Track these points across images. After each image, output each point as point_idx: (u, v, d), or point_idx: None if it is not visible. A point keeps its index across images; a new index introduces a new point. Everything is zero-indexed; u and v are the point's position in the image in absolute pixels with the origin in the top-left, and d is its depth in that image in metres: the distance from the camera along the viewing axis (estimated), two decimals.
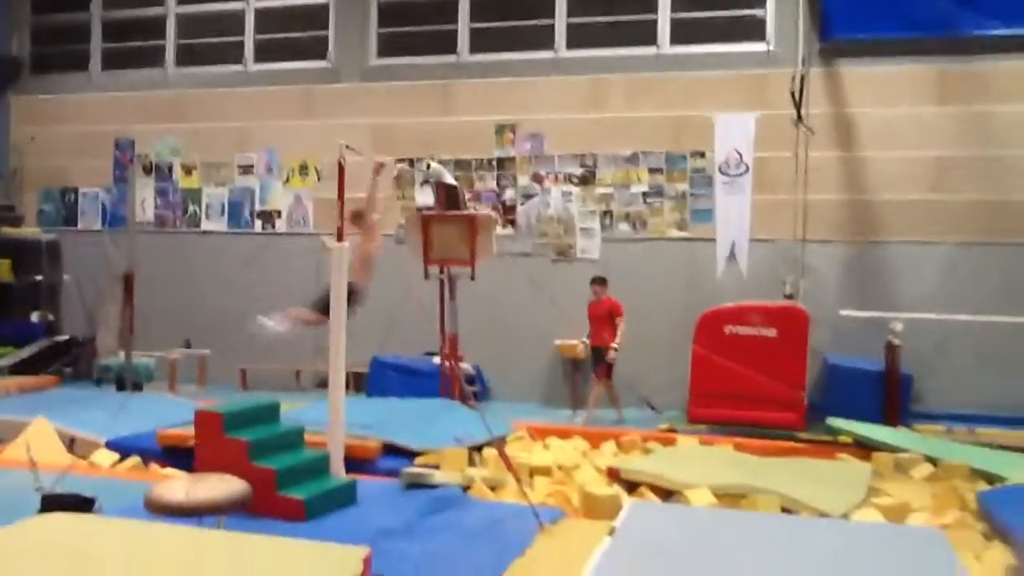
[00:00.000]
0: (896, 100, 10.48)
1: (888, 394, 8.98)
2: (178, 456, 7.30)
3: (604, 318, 10.19)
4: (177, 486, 5.06)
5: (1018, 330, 9.51)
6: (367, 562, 4.11)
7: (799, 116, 9.74)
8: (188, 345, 11.82)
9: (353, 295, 7.23)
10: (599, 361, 10.18)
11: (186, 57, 13.17)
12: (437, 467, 6.81)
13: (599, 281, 10.36)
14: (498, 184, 11.86)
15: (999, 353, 9.87)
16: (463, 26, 12.10)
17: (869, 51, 10.50)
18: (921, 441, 8.21)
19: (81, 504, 5.54)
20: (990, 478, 7.05)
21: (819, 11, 10.61)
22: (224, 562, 4.07)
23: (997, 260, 10.08)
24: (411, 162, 11.93)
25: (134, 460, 7.48)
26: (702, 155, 11.08)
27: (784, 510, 6.17)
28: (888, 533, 5.58)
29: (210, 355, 11.93)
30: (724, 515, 5.90)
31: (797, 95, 9.54)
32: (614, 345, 10.05)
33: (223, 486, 5.03)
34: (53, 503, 5.50)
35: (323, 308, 7.00)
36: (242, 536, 4.62)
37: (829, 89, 10.60)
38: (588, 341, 10.35)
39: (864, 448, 7.96)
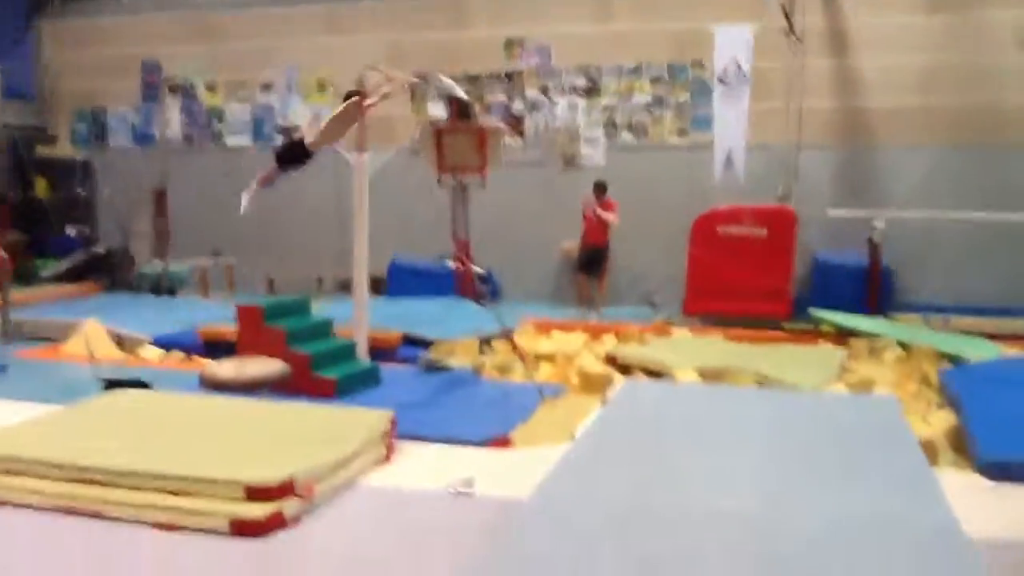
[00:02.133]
0: (886, 9, 10.89)
1: (870, 287, 9.64)
2: (218, 350, 8.07)
3: (599, 219, 10.70)
4: (228, 365, 5.88)
5: (995, 227, 10.11)
6: (393, 422, 4.91)
7: (790, 27, 10.17)
8: (217, 254, 12.57)
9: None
10: (595, 259, 10.77)
11: None
12: (452, 354, 7.59)
13: (599, 187, 10.88)
14: (507, 97, 12.39)
15: (977, 249, 10.49)
16: None
17: None
18: (896, 328, 8.91)
19: (139, 386, 6.35)
20: (955, 360, 7.75)
21: None
22: (278, 422, 4.87)
23: (979, 162, 10.60)
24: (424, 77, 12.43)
25: (178, 354, 8.31)
26: (701, 65, 11.56)
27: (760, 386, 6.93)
28: (847, 400, 6.34)
29: (237, 264, 12.70)
30: (704, 389, 6.67)
31: (787, 7, 9.95)
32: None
33: (268, 366, 5.85)
34: (114, 385, 6.30)
35: (279, 156, 7.51)
36: (288, 404, 5.43)
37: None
38: (580, 241, 10.84)
39: (843, 336, 8.67)
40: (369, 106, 7.48)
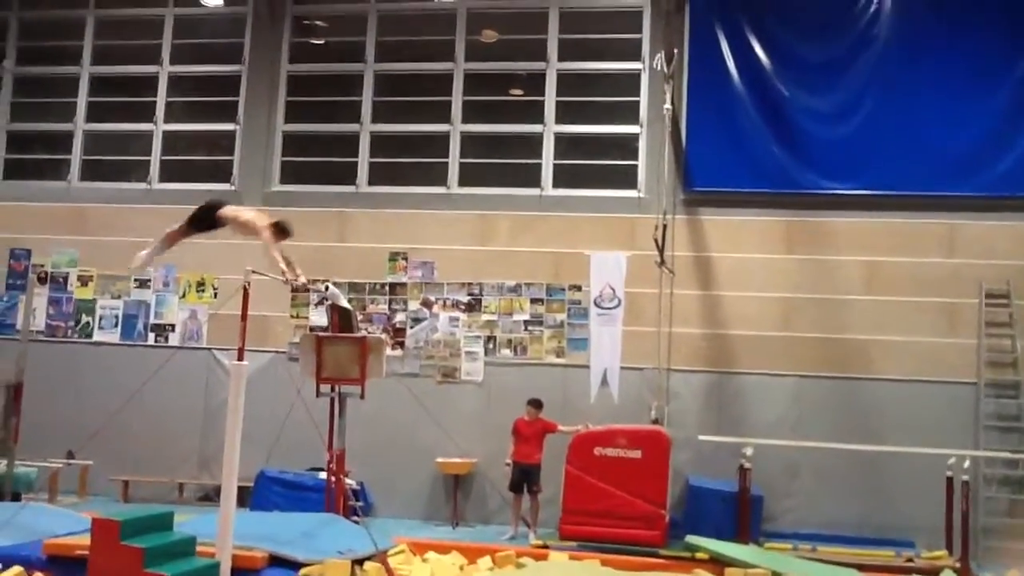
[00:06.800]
0: (749, 247, 11.74)
1: (740, 514, 9.79)
2: (63, 566, 7.42)
3: (537, 437, 10.74)
4: None
5: (854, 456, 10.58)
6: None
7: (661, 259, 10.80)
8: (71, 456, 11.80)
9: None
10: (526, 477, 10.68)
11: (91, 172, 13.57)
12: None
13: (535, 403, 10.92)
14: (389, 307, 12.53)
15: (839, 477, 10.91)
16: (363, 159, 12.95)
17: (726, 202, 11.81)
18: (769, 557, 9.00)
19: None
20: None
21: (683, 165, 11.89)
22: None
23: (837, 392, 11.24)
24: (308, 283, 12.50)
25: (17, 570, 7.56)
26: (579, 288, 12.05)
27: None
28: None
29: (92, 466, 11.94)
30: None
31: (660, 240, 10.61)
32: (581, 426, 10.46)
33: None
34: None
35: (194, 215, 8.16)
36: None
37: (691, 234, 11.80)
38: (512, 460, 10.79)
39: (718, 564, 8.69)
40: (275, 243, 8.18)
